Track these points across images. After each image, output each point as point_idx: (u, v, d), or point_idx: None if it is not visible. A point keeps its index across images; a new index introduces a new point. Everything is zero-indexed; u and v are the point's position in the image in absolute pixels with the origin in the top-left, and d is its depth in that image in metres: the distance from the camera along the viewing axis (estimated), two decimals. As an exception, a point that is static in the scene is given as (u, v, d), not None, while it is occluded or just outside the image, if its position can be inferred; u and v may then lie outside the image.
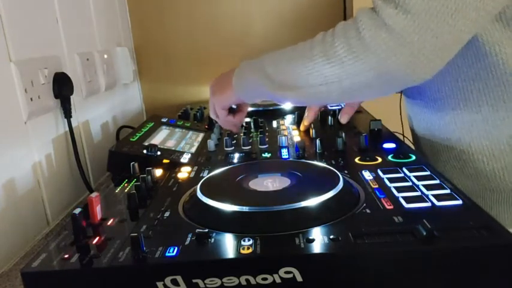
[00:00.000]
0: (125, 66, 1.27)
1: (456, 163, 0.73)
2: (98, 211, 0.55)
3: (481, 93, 0.65)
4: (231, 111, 0.79)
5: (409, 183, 0.57)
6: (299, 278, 0.42)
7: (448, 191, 0.54)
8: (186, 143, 0.89)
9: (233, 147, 0.84)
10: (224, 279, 0.43)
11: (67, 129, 0.89)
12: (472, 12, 0.52)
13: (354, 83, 0.57)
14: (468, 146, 0.70)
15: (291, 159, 0.75)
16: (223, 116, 0.78)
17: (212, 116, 0.80)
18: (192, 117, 1.15)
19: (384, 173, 0.62)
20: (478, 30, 0.59)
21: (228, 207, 0.51)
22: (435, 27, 0.51)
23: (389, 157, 0.70)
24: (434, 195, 0.53)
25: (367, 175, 0.63)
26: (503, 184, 0.69)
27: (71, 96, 0.88)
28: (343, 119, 0.90)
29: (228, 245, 0.46)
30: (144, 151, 0.77)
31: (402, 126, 1.05)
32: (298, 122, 0.98)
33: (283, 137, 0.83)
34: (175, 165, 0.75)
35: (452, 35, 0.52)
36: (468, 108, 0.67)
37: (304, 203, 0.50)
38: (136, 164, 0.72)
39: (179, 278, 0.43)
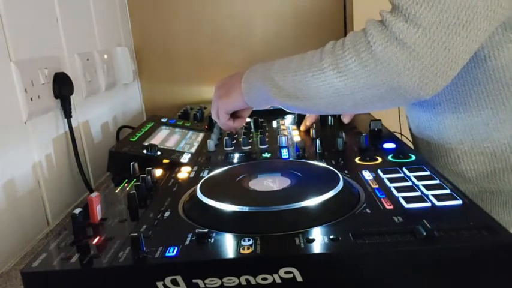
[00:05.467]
0: (125, 66, 1.27)
1: (456, 167, 0.72)
2: (98, 211, 0.55)
3: (480, 97, 0.65)
4: (232, 115, 0.78)
5: (409, 183, 0.57)
6: (299, 278, 0.42)
7: (448, 191, 0.54)
8: (186, 143, 0.89)
9: (233, 147, 0.84)
10: (224, 279, 0.43)
11: (67, 129, 0.89)
12: (483, 21, 0.51)
13: (366, 96, 0.57)
14: (470, 148, 0.70)
15: (291, 159, 0.75)
16: (225, 119, 0.77)
17: (213, 117, 0.79)
18: (192, 117, 1.15)
19: (384, 173, 0.62)
20: (486, 38, 0.58)
21: (228, 207, 0.51)
22: (447, 40, 0.51)
23: (389, 157, 0.70)
24: (434, 195, 0.53)
25: (367, 175, 0.63)
26: (503, 185, 0.69)
27: (71, 96, 0.88)
28: (346, 118, 0.92)
29: (228, 245, 0.46)
30: (144, 151, 0.77)
31: (400, 126, 1.05)
32: (298, 122, 0.98)
33: (283, 137, 0.83)
34: (175, 165, 0.75)
35: (465, 46, 0.52)
36: (468, 112, 0.67)
37: (304, 203, 0.50)
38: (136, 164, 0.72)
39: (179, 278, 0.43)
